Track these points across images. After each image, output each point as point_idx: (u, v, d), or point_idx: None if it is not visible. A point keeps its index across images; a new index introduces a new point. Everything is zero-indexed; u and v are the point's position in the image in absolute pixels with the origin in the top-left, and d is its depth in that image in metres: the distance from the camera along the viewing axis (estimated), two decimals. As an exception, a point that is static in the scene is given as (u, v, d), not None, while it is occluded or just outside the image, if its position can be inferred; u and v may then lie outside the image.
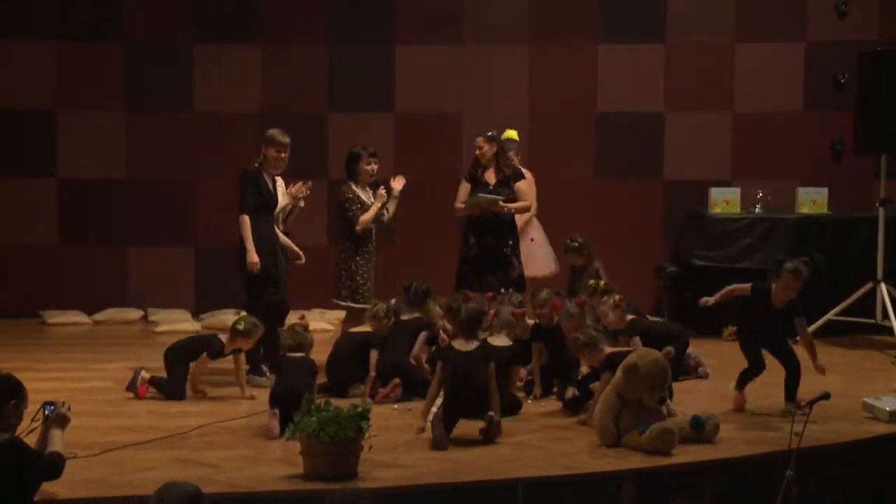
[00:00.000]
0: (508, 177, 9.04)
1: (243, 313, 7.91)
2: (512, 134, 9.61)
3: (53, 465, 5.32)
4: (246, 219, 8.12)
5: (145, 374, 7.84)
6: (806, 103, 11.52)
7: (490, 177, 9.05)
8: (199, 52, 11.53)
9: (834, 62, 11.34)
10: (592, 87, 11.56)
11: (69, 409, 5.56)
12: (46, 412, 5.50)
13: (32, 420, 5.56)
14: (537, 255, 9.59)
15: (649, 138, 11.54)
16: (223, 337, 7.83)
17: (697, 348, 9.06)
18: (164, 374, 7.95)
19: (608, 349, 7.19)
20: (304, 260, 8.58)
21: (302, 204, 8.71)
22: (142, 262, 11.55)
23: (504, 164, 9.05)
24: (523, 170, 9.33)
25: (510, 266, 8.96)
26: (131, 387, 7.84)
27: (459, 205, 9.04)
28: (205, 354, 7.79)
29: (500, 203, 8.86)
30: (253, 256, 8.06)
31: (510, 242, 8.99)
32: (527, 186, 9.13)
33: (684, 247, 10.79)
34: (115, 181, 11.52)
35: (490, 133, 9.13)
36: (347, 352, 7.99)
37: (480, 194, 8.90)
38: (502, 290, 8.61)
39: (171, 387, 7.77)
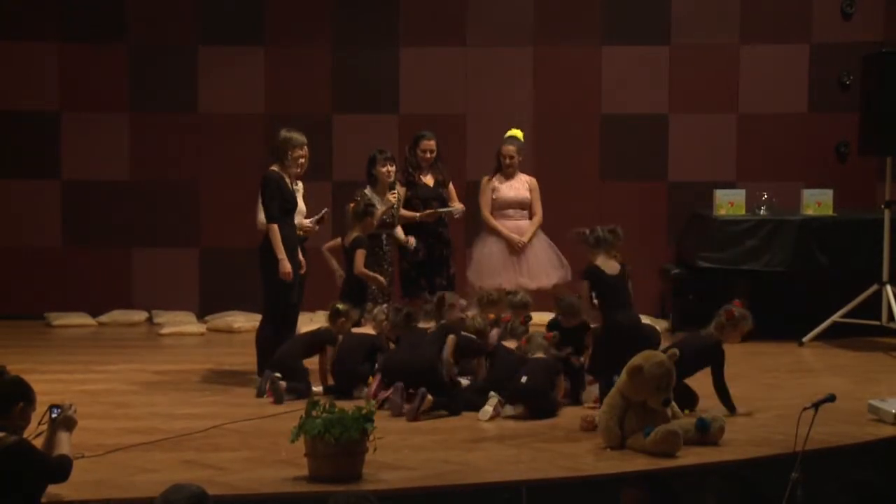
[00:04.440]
0: (445, 179, 9.19)
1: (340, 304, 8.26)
2: (517, 133, 9.58)
3: (60, 468, 5.32)
4: (275, 228, 8.05)
5: (282, 384, 7.83)
6: (811, 105, 11.50)
7: (429, 180, 9.15)
8: (203, 54, 11.53)
9: (839, 63, 11.32)
10: (597, 89, 11.55)
11: (75, 411, 5.56)
12: (53, 415, 5.50)
13: (39, 423, 5.56)
14: (541, 264, 9.40)
15: (654, 140, 11.53)
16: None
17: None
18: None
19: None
20: (304, 270, 8.58)
21: (317, 228, 8.74)
22: (146, 263, 11.55)
23: (441, 166, 9.20)
24: (530, 177, 9.43)
25: (449, 266, 9.17)
26: (273, 393, 7.78)
27: (403, 211, 9.05)
28: (328, 347, 8.04)
29: (454, 213, 9.15)
30: (286, 266, 8.03)
31: (449, 245, 9.22)
32: (453, 189, 9.31)
33: (689, 248, 10.78)
34: (120, 183, 11.52)
35: (433, 134, 9.23)
36: (353, 352, 7.99)
37: (441, 209, 9.05)
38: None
39: (305, 386, 7.88)
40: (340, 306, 8.20)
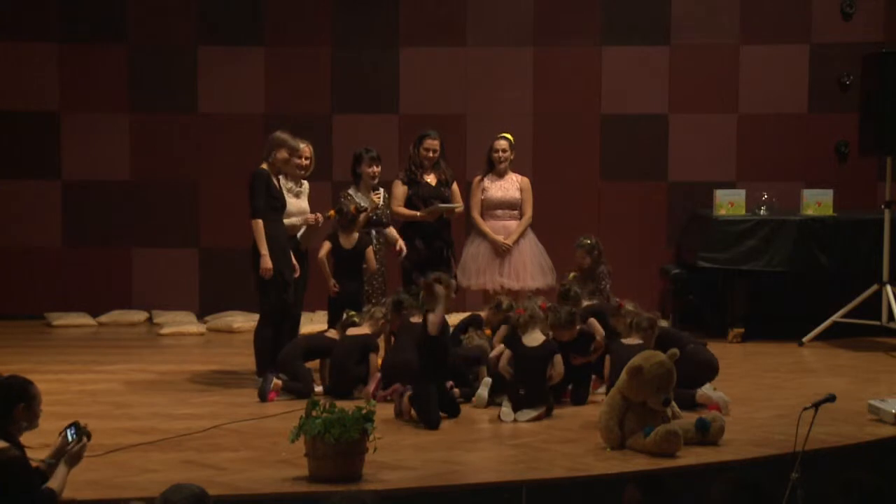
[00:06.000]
0: (448, 178, 9.17)
1: (352, 312, 8.22)
2: (507, 136, 9.50)
3: (43, 501, 5.24)
4: (259, 223, 8.03)
5: (278, 382, 7.83)
6: (811, 105, 11.51)
7: (431, 179, 9.14)
8: (203, 54, 11.54)
9: (839, 64, 11.33)
10: (597, 89, 11.56)
11: (85, 446, 5.46)
12: (69, 437, 5.40)
13: (59, 436, 5.49)
14: (526, 266, 9.35)
15: (654, 140, 11.53)
16: (332, 333, 8.21)
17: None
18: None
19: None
20: (297, 274, 8.54)
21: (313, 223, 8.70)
22: (146, 263, 11.55)
23: (444, 166, 9.18)
24: (522, 176, 9.38)
25: (450, 267, 9.12)
26: (262, 393, 7.80)
27: (401, 208, 9.06)
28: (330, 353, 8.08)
29: (456, 210, 9.14)
30: (267, 262, 7.99)
31: (450, 244, 9.21)
32: (457, 189, 9.29)
33: (689, 249, 10.78)
34: (120, 183, 11.53)
35: (437, 134, 9.23)
36: (348, 354, 7.99)
37: (442, 205, 9.02)
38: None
39: (305, 386, 7.84)
40: (357, 319, 8.17)
